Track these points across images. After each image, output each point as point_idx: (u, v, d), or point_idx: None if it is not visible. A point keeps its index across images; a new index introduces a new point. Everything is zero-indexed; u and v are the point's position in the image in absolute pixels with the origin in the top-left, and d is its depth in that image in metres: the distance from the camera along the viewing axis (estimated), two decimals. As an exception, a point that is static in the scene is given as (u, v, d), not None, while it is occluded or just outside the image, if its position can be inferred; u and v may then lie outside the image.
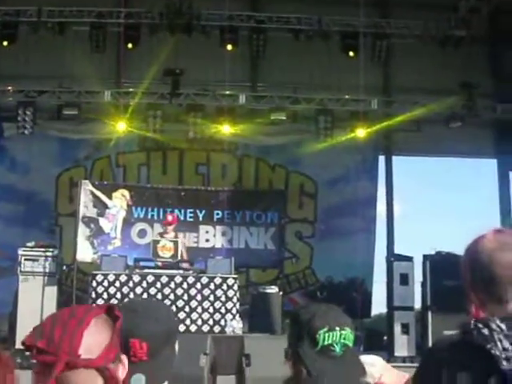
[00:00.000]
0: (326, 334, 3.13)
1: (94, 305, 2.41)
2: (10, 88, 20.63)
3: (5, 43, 20.63)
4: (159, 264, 15.68)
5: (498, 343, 2.55)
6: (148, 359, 2.89)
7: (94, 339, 2.08)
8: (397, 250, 23.01)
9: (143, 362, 2.88)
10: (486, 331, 2.59)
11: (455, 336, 2.79)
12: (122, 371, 2.18)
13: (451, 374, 2.64)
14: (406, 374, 3.15)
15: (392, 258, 18.40)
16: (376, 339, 19.48)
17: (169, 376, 3.02)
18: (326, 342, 3.12)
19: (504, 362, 2.52)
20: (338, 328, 3.15)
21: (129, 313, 2.94)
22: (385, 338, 19.05)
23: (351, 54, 21.34)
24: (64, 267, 18.19)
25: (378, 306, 22.96)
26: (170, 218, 17.54)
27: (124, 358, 2.22)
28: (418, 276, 17.87)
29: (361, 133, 21.70)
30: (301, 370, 3.16)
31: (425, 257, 17.49)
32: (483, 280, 2.75)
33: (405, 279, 17.49)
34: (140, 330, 2.91)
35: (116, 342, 2.16)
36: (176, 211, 18.98)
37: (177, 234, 16.69)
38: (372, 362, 4.10)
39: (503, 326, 2.59)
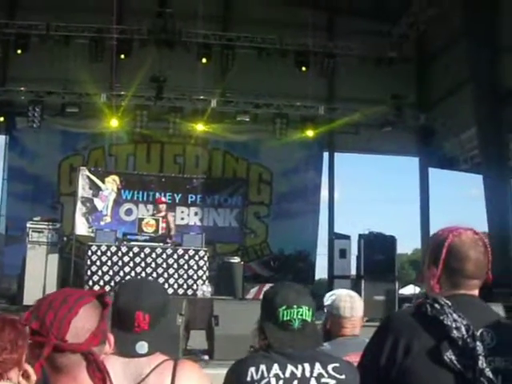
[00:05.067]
0: (285, 312, 3.10)
1: (86, 291, 2.35)
2: (22, 89, 20.42)
3: (18, 51, 20.65)
4: (143, 237, 15.59)
5: (449, 315, 2.61)
6: (149, 329, 2.85)
7: (81, 326, 2.01)
8: (336, 229, 23.34)
9: (145, 332, 2.84)
10: (437, 306, 2.65)
11: (411, 309, 2.82)
12: (107, 348, 2.13)
13: (408, 339, 2.65)
14: None
15: (333, 236, 18.48)
16: (318, 301, 19.51)
17: (166, 342, 2.99)
18: (284, 318, 3.10)
19: (454, 331, 2.58)
20: (295, 306, 3.11)
21: (132, 289, 2.94)
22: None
23: (303, 68, 21.59)
24: (64, 238, 17.99)
25: (320, 274, 23.28)
26: (163, 199, 17.62)
27: (110, 336, 2.15)
28: (354, 251, 17.98)
29: (309, 133, 21.93)
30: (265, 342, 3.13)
31: (360, 236, 17.54)
32: (453, 267, 2.75)
33: (343, 254, 17.59)
34: (143, 304, 2.86)
35: (102, 327, 2.08)
36: (157, 194, 18.94)
37: (167, 212, 16.63)
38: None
39: (449, 303, 2.65)
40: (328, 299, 4.46)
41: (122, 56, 21.08)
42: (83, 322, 2.01)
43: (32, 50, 20.64)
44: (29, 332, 2.03)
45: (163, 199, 17.88)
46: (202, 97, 20.97)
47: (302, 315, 3.12)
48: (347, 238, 18.06)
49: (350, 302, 4.39)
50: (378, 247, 16.96)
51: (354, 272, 18.30)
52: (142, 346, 2.81)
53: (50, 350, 1.96)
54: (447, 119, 21.57)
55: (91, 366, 2.02)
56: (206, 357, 9.35)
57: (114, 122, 20.90)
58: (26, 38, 20.53)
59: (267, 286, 20.77)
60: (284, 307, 3.11)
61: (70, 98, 20.57)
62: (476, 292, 2.83)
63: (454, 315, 2.62)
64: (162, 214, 16.37)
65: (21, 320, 2.10)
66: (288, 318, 3.11)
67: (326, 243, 21.50)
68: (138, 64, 19.86)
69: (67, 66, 20.31)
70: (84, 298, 2.08)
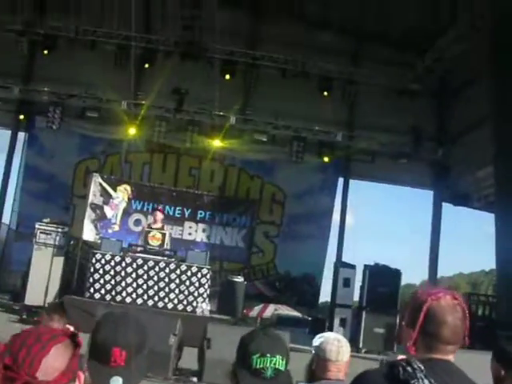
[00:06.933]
0: (258, 359, 3.08)
1: (59, 330, 2.39)
2: (45, 89, 20.60)
3: (45, 52, 20.96)
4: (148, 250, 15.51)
5: (420, 381, 2.56)
6: (125, 365, 2.81)
7: (52, 365, 2.01)
8: (345, 255, 23.35)
9: (120, 367, 2.80)
10: (409, 369, 2.60)
11: (383, 369, 2.78)
12: None
13: None
14: None
15: (339, 264, 18.40)
16: (319, 324, 19.64)
17: (140, 380, 2.93)
18: (258, 366, 3.08)
19: None
20: (269, 355, 3.09)
21: (112, 323, 2.93)
22: (326, 323, 19.10)
23: (325, 93, 21.63)
24: (71, 242, 18.06)
25: (324, 297, 23.18)
26: (160, 210, 17.40)
27: (81, 374, 2.13)
28: (358, 281, 17.89)
29: (326, 158, 22.09)
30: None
31: (365, 266, 17.49)
32: (430, 332, 2.74)
33: (347, 283, 17.51)
34: (120, 340, 2.83)
35: (72, 367, 2.08)
36: (167, 207, 18.95)
37: (164, 225, 16.52)
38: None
39: (422, 367, 2.60)
40: (316, 341, 4.51)
41: (146, 65, 21.35)
42: (54, 361, 2.03)
43: (59, 51, 20.98)
44: (1, 366, 2.01)
45: (161, 211, 17.64)
46: (221, 113, 21.03)
47: (275, 364, 3.09)
48: (353, 267, 17.99)
49: (336, 346, 4.42)
50: (382, 279, 16.91)
51: (356, 302, 18.25)
52: (117, 381, 2.78)
53: None
54: (464, 155, 21.50)
55: None
56: (195, 379, 9.33)
57: (132, 130, 21.17)
58: (54, 40, 20.86)
59: (271, 306, 20.86)
60: (258, 355, 3.09)
61: (90, 102, 20.78)
62: (451, 357, 2.82)
63: (425, 381, 2.58)
64: (159, 225, 16.29)
65: None
66: (261, 365, 3.08)
67: (333, 268, 21.48)
68: (161, 74, 19.99)
69: (91, 71, 20.41)
70: (57, 337, 2.10)
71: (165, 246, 15.46)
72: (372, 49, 22.94)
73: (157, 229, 15.91)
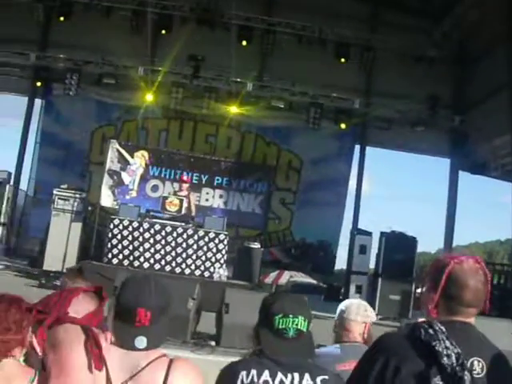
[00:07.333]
0: (281, 320, 3.17)
1: (85, 287, 2.54)
2: (62, 56, 20.57)
3: (61, 18, 20.96)
4: (166, 215, 15.57)
5: (442, 342, 2.62)
6: (149, 325, 2.91)
7: (81, 306, 2.21)
8: (361, 223, 23.34)
9: (145, 327, 2.90)
10: (431, 331, 2.66)
11: (404, 331, 2.83)
12: (104, 342, 2.17)
13: (398, 361, 2.67)
14: None
15: (355, 231, 18.38)
16: (334, 292, 19.69)
17: (164, 340, 3.02)
18: (280, 326, 3.17)
19: (445, 358, 2.59)
20: (291, 315, 3.17)
21: (137, 285, 2.99)
22: (342, 290, 19.18)
23: (342, 60, 21.60)
24: (89, 207, 18.16)
25: (340, 265, 23.17)
26: (185, 177, 17.50)
27: (108, 334, 2.20)
28: (374, 248, 17.89)
29: (343, 125, 22.03)
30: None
31: (382, 233, 17.46)
32: (452, 294, 2.78)
33: (363, 250, 17.51)
34: (146, 301, 2.91)
35: (99, 315, 2.18)
36: (185, 173, 18.96)
37: (190, 193, 16.54)
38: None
39: (443, 329, 2.66)
40: (341, 304, 4.63)
41: (163, 31, 21.31)
42: (83, 301, 2.21)
43: (74, 18, 20.92)
44: (34, 313, 2.15)
45: (187, 178, 17.81)
46: (238, 79, 20.99)
47: (297, 325, 3.18)
48: (369, 234, 17.97)
49: (357, 309, 4.51)
50: (398, 247, 16.86)
51: (372, 267, 18.26)
52: (141, 341, 2.87)
53: (52, 321, 2.08)
54: (482, 123, 21.34)
55: (90, 341, 2.15)
56: (213, 343, 9.41)
57: (149, 97, 21.13)
58: (70, 6, 20.81)
59: (286, 273, 20.92)
60: (280, 315, 3.18)
61: (107, 68, 20.76)
62: (472, 320, 2.84)
63: (447, 342, 2.63)
64: (184, 193, 16.31)
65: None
66: (283, 326, 3.17)
67: (349, 235, 21.46)
68: (177, 41, 19.88)
69: (107, 37, 20.48)
70: (83, 288, 2.27)
71: (183, 212, 15.52)
72: (389, 15, 22.73)
73: (178, 196, 16.00)
